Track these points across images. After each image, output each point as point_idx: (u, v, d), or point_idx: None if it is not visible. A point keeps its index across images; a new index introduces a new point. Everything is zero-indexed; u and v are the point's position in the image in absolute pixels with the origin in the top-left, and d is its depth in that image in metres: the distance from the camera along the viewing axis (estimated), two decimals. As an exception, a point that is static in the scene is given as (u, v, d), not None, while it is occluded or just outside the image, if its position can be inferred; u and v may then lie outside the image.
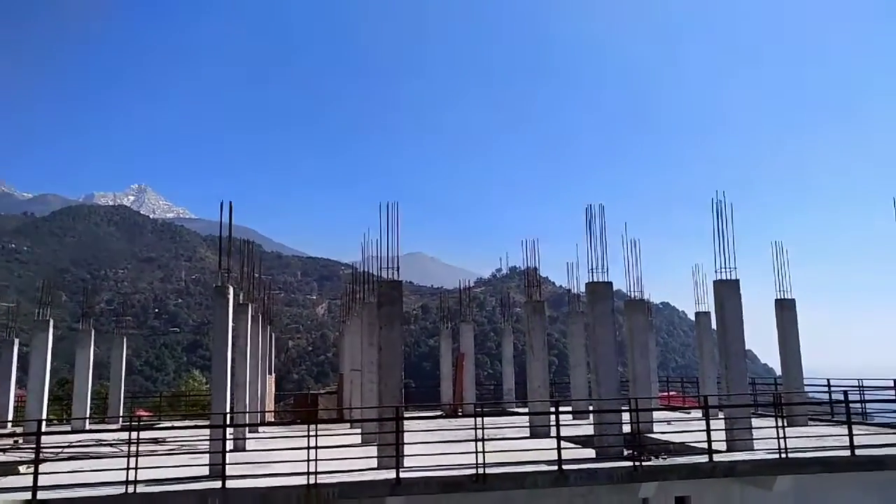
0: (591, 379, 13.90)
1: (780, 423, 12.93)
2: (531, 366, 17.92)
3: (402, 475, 11.24)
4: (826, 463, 12.71)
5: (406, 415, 17.00)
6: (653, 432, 16.51)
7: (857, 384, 18.74)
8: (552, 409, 14.74)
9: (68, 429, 22.23)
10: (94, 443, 17.53)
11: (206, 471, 11.81)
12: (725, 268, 14.37)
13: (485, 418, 12.05)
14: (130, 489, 10.58)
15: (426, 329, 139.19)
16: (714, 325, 17.30)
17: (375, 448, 12.71)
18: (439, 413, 23.63)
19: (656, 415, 18.05)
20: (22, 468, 13.24)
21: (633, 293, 19.11)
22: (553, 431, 12.86)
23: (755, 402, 19.96)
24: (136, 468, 10.69)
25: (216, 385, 12.99)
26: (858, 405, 18.33)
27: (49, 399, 22.36)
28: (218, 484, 10.92)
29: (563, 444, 12.62)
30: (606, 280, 14.14)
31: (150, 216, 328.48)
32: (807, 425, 17.64)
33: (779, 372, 19.55)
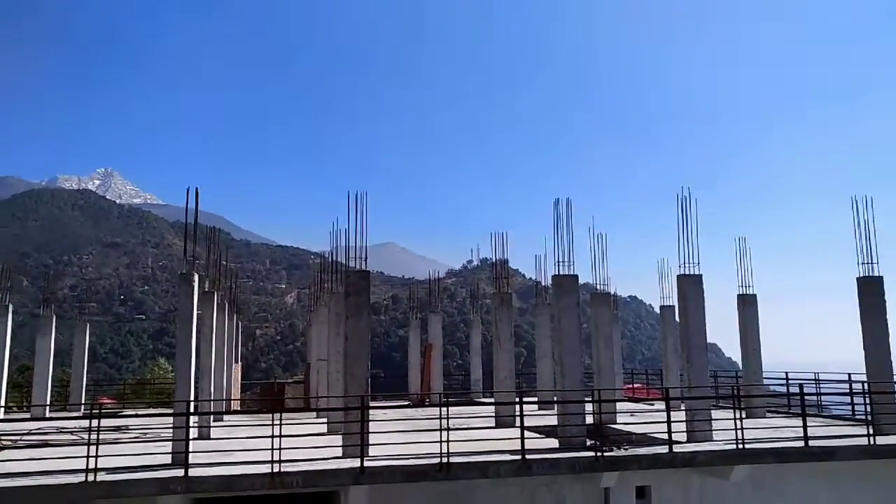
0: (556, 370, 14.06)
1: (738, 415, 13.26)
2: (498, 357, 18.10)
3: (366, 464, 11.29)
4: (780, 453, 13.08)
5: (373, 404, 17.08)
6: (616, 423, 16.79)
7: (813, 378, 19.29)
8: (517, 400, 14.88)
9: (28, 416, 21.85)
10: (55, 430, 17.26)
11: (168, 459, 11.73)
12: (689, 262, 14.63)
13: (452, 408, 12.14)
14: (90, 477, 10.47)
15: (396, 319, 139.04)
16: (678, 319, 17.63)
17: (341, 437, 12.74)
18: (407, 403, 23.71)
19: (620, 406, 18.36)
20: (-21, 456, 12.99)
21: (599, 286, 19.39)
22: (518, 421, 13.01)
23: (716, 395, 20.35)
24: (96, 456, 10.57)
25: (180, 373, 12.89)
26: (814, 398, 18.85)
27: (8, 386, 21.95)
28: (181, 472, 10.86)
29: (527, 434, 12.78)
30: (572, 273, 14.30)
31: (117, 201, 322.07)
32: (765, 417, 18.07)
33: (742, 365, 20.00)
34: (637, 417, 17.11)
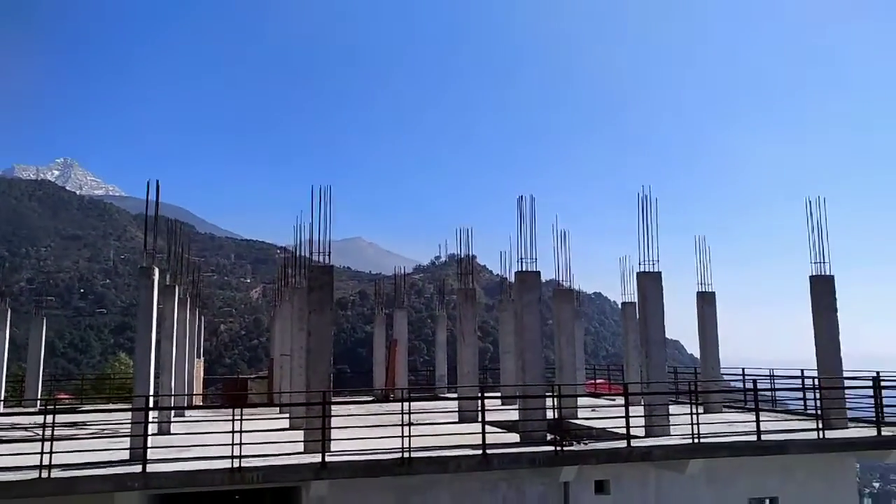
0: (518, 366, 14.21)
1: (695, 410, 13.57)
2: (461, 352, 18.22)
3: (327, 459, 11.30)
4: (734, 447, 13.42)
5: (337, 400, 17.04)
6: (577, 418, 17.02)
7: (768, 374, 19.78)
8: (479, 395, 14.99)
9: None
10: (8, 426, 16.87)
11: (126, 455, 11.60)
12: (649, 260, 14.89)
13: (416, 403, 12.25)
14: (44, 474, 10.30)
15: (363, 315, 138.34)
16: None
17: (302, 433, 12.70)
18: (371, 398, 23.70)
19: (581, 401, 18.59)
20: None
21: (562, 283, 19.63)
22: (480, 416, 13.11)
23: (676, 391, 20.78)
24: (50, 452, 10.39)
25: (139, 368, 12.72)
26: (769, 393, 19.35)
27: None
28: (138, 468, 10.74)
29: (489, 428, 12.91)
30: (535, 270, 14.45)
31: (77, 192, 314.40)
32: (722, 412, 18.51)
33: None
34: (598, 412, 17.34)
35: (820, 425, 14.21)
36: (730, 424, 15.24)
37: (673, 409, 15.02)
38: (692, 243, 18.92)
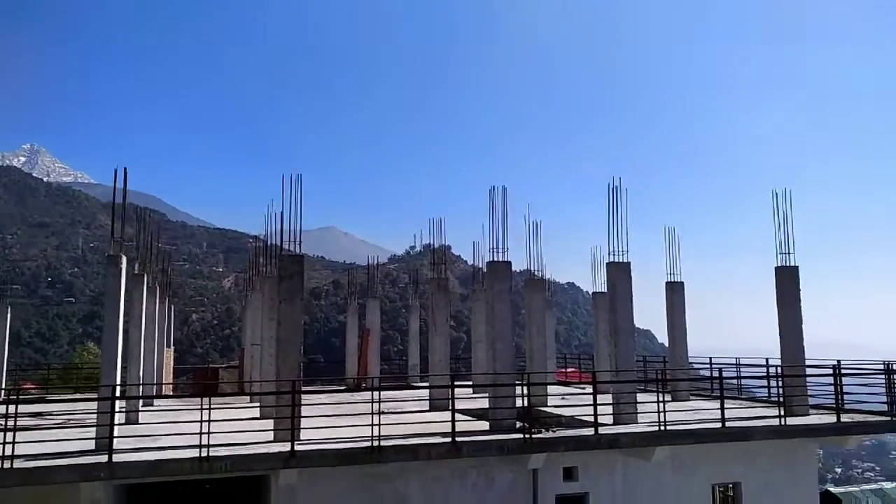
0: (489, 354, 14.32)
1: (662, 398, 13.80)
2: (433, 341, 18.30)
3: (297, 448, 11.30)
4: (699, 434, 13.69)
5: (308, 389, 17.02)
6: (547, 406, 17.20)
7: (735, 363, 20.16)
8: (449, 384, 15.08)
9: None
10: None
11: (92, 444, 11.47)
12: (619, 251, 15.06)
13: (388, 392, 12.28)
14: (7, 464, 10.16)
15: (336, 305, 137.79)
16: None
17: (272, 422, 12.68)
18: (343, 387, 23.70)
19: (552, 389, 18.80)
20: None
21: (535, 273, 19.79)
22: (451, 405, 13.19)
23: (644, 379, 21.06)
24: (13, 442, 10.26)
25: (106, 357, 12.56)
26: (735, 382, 19.73)
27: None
28: (104, 457, 10.64)
29: (459, 417, 13.00)
30: (506, 260, 14.54)
31: (45, 179, 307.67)
32: (689, 400, 18.83)
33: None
34: (567, 401, 17.55)
35: (782, 412, 14.55)
36: (696, 412, 15.51)
37: (641, 397, 15.25)
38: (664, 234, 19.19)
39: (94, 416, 12.17)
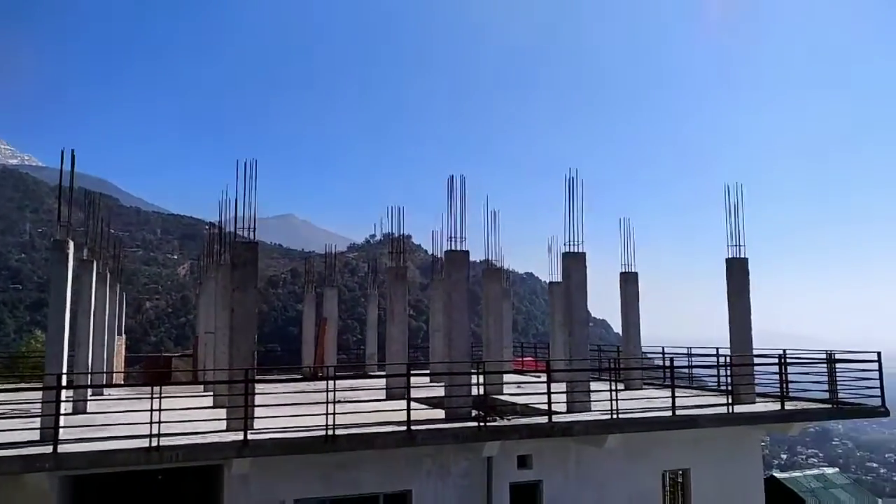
0: (446, 343, 14.36)
1: (614, 387, 14.04)
2: (390, 330, 18.26)
3: (250, 437, 11.18)
4: (649, 422, 13.99)
5: (264, 378, 16.84)
6: (503, 395, 17.35)
7: (686, 352, 20.62)
8: (406, 372, 15.08)
9: None
10: None
11: (37, 435, 11.16)
12: (574, 241, 15.23)
13: (345, 381, 12.21)
14: (-55, 455, 9.82)
15: (294, 293, 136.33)
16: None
17: (225, 411, 12.51)
18: (299, 377, 23.51)
19: (508, 378, 18.95)
20: None
21: (493, 263, 19.89)
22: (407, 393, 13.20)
23: (598, 368, 21.37)
24: (-48, 433, 9.91)
25: (51, 345, 12.24)
26: (686, 371, 20.19)
27: None
28: (49, 448, 10.36)
29: (416, 405, 13.03)
30: (464, 249, 14.57)
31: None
32: (641, 388, 19.20)
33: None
34: (523, 389, 17.72)
35: (730, 400, 14.95)
36: (648, 400, 15.84)
37: (595, 385, 15.50)
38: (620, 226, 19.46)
39: (40, 405, 11.84)
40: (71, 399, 14.69)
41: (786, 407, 15.41)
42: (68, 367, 13.03)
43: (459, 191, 14.77)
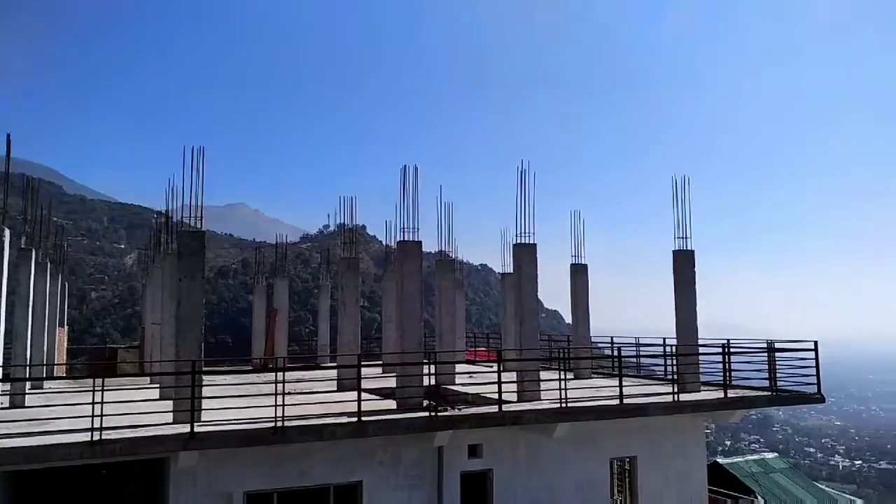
0: (398, 334, 14.34)
1: (564, 376, 14.24)
2: (342, 321, 18.15)
3: (196, 429, 10.98)
4: (598, 411, 14.24)
5: (212, 369, 16.56)
6: (454, 385, 17.43)
7: (634, 342, 21.05)
8: (357, 363, 15.02)
9: None
10: None
11: (-30, 430, 10.75)
12: (526, 233, 15.35)
13: (296, 373, 12.08)
14: None
15: (245, 284, 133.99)
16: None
17: (172, 403, 12.27)
18: (249, 368, 23.20)
19: (460, 368, 19.03)
20: None
21: (447, 254, 19.93)
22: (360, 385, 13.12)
23: (549, 357, 21.65)
24: None
25: (-14, 337, 11.78)
26: (634, 360, 20.61)
27: None
28: (-17, 443, 9.99)
29: (368, 396, 12.97)
30: (417, 240, 14.55)
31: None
32: (590, 378, 19.52)
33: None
34: (475, 379, 17.85)
35: (676, 389, 15.33)
36: (596, 389, 16.10)
37: (545, 375, 15.68)
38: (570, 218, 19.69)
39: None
40: (7, 392, 14.20)
41: (728, 395, 15.87)
42: (4, 359, 12.60)
43: (412, 181, 14.73)
